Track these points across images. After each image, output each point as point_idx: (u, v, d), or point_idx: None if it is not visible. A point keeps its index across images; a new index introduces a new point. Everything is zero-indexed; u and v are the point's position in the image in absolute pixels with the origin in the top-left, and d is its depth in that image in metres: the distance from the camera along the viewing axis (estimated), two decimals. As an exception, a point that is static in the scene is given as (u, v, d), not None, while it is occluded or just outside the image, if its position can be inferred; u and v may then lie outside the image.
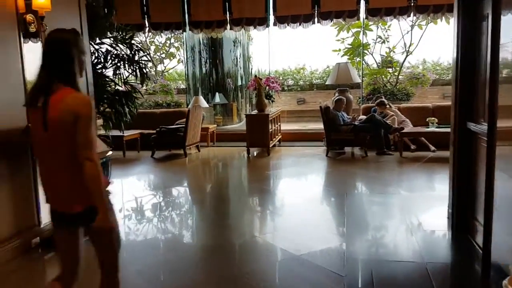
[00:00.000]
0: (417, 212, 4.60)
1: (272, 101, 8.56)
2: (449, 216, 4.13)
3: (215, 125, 10.16)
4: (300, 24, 9.01)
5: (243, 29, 9.45)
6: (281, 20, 9.01)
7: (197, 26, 9.51)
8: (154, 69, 13.08)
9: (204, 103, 9.64)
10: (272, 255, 3.63)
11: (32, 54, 3.82)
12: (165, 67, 14.19)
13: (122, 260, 2.34)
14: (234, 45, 10.96)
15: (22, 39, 3.64)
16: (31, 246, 3.74)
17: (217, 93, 10.94)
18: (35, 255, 3.68)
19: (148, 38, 12.93)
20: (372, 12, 8.91)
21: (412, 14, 9.02)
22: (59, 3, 4.04)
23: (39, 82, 1.97)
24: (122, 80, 5.52)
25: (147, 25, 9.53)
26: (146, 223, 4.68)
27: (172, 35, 12.42)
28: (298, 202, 5.18)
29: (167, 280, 3.26)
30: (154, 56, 13.40)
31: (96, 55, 5.31)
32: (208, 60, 11.10)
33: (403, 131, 7.73)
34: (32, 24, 3.63)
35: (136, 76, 5.57)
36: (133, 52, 5.52)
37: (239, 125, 11.00)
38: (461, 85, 3.85)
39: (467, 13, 3.73)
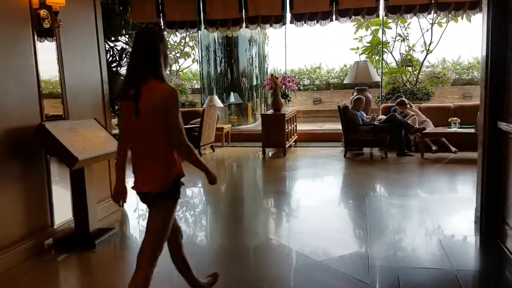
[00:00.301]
0: (441, 215, 4.40)
1: (289, 101, 8.40)
2: (477, 220, 3.93)
3: (230, 125, 10.05)
4: (317, 22, 8.83)
5: (259, 27, 9.30)
6: (298, 17, 8.84)
7: (212, 24, 9.39)
8: (168, 68, 13.03)
9: (219, 103, 9.53)
10: (290, 260, 3.47)
11: (46, 50, 3.76)
12: (179, 66, 14.14)
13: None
14: (250, 44, 10.84)
15: (35, 35, 3.56)
16: (43, 247, 3.65)
17: (232, 93, 10.84)
18: (47, 256, 3.59)
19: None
20: (392, 10, 8.68)
21: (432, 12, 8.76)
22: (74, -2, 3.97)
23: (131, 74, 2.18)
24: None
25: (162, 23, 9.45)
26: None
27: (187, 34, 12.35)
28: (315, 205, 5.02)
29: (181, 283, 3.13)
30: (169, 55, 13.32)
31: (111, 53, 5.22)
32: (223, 59, 11.00)
33: (425, 131, 7.50)
34: (46, 20, 3.54)
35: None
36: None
37: (254, 125, 10.87)
38: (491, 83, 3.65)
39: (499, 5, 3.53)
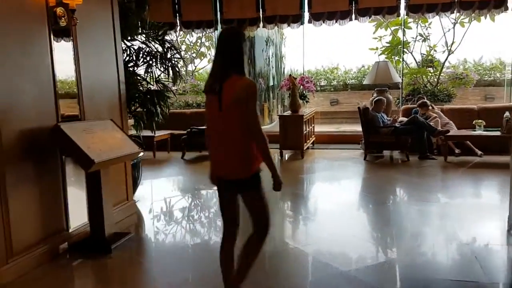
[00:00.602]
0: (469, 223, 4.19)
1: (307, 102, 8.22)
2: (510, 228, 3.72)
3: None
4: (336, 22, 8.64)
5: (276, 27, 9.14)
6: (316, 17, 8.65)
7: (229, 24, 9.26)
8: (184, 68, 12.95)
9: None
10: (310, 268, 3.31)
11: (62, 49, 3.66)
12: (195, 66, 14.06)
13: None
14: (266, 44, 10.69)
15: (51, 33, 3.46)
16: (58, 252, 3.56)
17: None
18: (62, 261, 3.49)
19: (179, 37, 12.82)
20: (413, 9, 8.44)
21: (455, 11, 8.50)
22: (91, -4, 3.88)
23: (217, 70, 2.36)
24: (154, 79, 5.32)
25: (178, 23, 9.36)
26: (175, 226, 4.45)
27: (203, 34, 12.26)
28: (334, 209, 4.85)
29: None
30: (185, 55, 13.27)
31: (128, 52, 5.12)
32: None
33: (448, 134, 7.25)
34: (63, 18, 3.44)
35: (168, 74, 5.36)
36: (165, 50, 5.31)
37: (270, 126, 10.71)
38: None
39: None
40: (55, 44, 3.52)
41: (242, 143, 2.33)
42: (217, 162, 2.48)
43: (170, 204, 5.29)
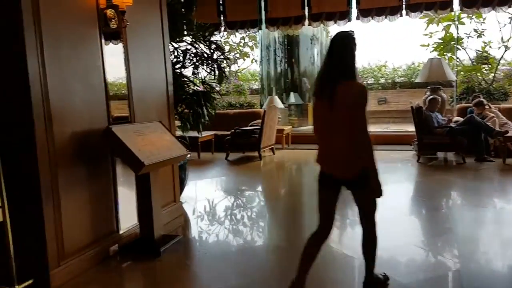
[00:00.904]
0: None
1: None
2: None
3: (291, 127, 9.74)
4: (385, 17, 8.31)
5: (322, 24, 8.93)
6: (364, 13, 8.36)
7: (273, 23, 9.16)
8: (228, 69, 12.96)
9: (279, 104, 9.27)
10: (359, 275, 3.11)
11: (112, 51, 3.66)
12: (238, 67, 14.05)
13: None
14: (311, 43, 10.47)
15: (102, 35, 3.46)
16: (109, 254, 3.55)
17: (292, 93, 10.53)
18: (113, 263, 3.48)
19: (223, 38, 12.84)
20: (468, 3, 7.99)
21: (512, 5, 7.95)
22: (140, -2, 3.86)
23: (328, 73, 2.43)
24: (200, 80, 5.29)
25: (222, 24, 9.35)
26: (222, 228, 4.36)
27: (247, 34, 12.20)
28: (386, 215, 4.49)
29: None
30: (228, 56, 13.26)
31: (175, 54, 5.10)
32: (283, 59, 10.72)
33: (507, 135, 6.78)
34: (113, 20, 3.43)
35: (214, 75, 5.31)
36: (212, 50, 5.26)
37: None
38: None
39: None
40: (105, 46, 3.52)
41: (351, 144, 2.40)
42: (327, 162, 2.56)
43: (216, 206, 5.23)
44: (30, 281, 2.78)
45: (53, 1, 3.01)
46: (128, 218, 3.82)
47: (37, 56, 2.87)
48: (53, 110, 2.99)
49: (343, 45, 2.42)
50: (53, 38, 3.00)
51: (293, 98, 10.40)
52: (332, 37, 2.54)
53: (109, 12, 3.40)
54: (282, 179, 7.06)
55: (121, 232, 3.73)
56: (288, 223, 4.58)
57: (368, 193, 2.48)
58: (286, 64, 10.63)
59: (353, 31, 2.51)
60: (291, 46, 10.59)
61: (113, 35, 3.63)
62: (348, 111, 2.35)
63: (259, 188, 6.50)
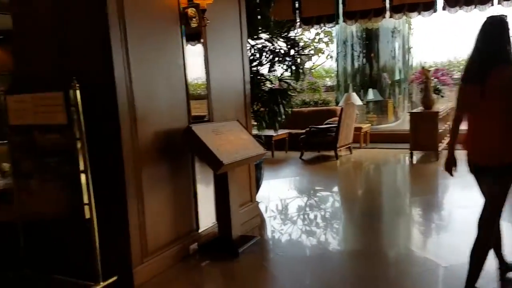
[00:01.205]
0: None
1: (442, 97, 7.37)
2: None
3: (369, 125, 9.32)
4: (475, 7, 7.60)
5: (404, 16, 8.39)
6: (452, 3, 7.70)
7: (351, 16, 8.79)
8: (302, 66, 12.75)
9: (357, 101, 8.90)
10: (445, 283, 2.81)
11: (191, 50, 3.66)
12: (313, 63, 13.75)
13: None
14: (392, 36, 9.90)
15: (183, 34, 3.47)
16: (189, 252, 3.56)
17: (370, 89, 10.06)
18: (192, 262, 3.49)
19: (297, 34, 12.64)
20: None
21: None
22: (219, -4, 3.82)
23: (481, 59, 2.41)
24: (277, 77, 5.19)
25: (298, 20, 9.17)
26: (298, 230, 4.22)
27: (322, 29, 11.89)
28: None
29: None
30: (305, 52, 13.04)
31: (252, 51, 5.04)
32: (361, 54, 10.27)
33: None
34: (194, 19, 3.43)
35: (291, 72, 5.18)
36: (289, 47, 5.13)
37: (395, 124, 9.93)
38: None
39: None
40: (186, 46, 3.53)
41: (504, 130, 2.37)
42: (477, 149, 2.51)
43: (290, 206, 5.10)
44: (115, 278, 2.83)
45: (137, 3, 3.05)
46: (206, 216, 3.82)
47: (122, 57, 2.93)
48: (137, 110, 3.05)
49: (496, 29, 2.40)
50: (137, 39, 3.04)
51: (371, 94, 9.95)
52: (484, 21, 2.49)
53: (190, 11, 3.40)
54: (360, 180, 6.74)
55: (200, 230, 3.74)
56: (365, 227, 4.32)
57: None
58: (364, 59, 10.18)
59: (505, 15, 2.47)
60: (369, 40, 10.11)
61: (195, 33, 3.62)
62: (502, 95, 2.32)
63: (335, 189, 6.26)
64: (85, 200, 2.72)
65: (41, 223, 3.07)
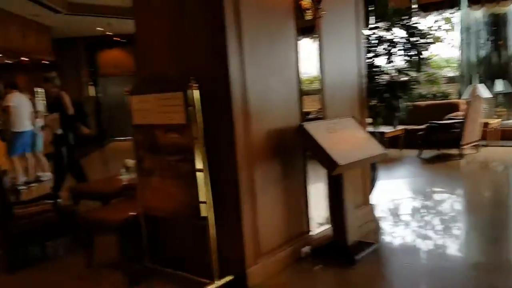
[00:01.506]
0: None
1: None
2: None
3: (498, 120, 8.28)
4: None
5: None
6: None
7: (477, 1, 7.88)
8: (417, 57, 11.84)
9: (485, 93, 7.96)
10: None
11: (305, 44, 3.50)
12: (431, 53, 12.70)
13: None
14: (524, 21, 8.66)
15: (297, 27, 3.32)
16: (300, 255, 3.42)
17: (498, 80, 8.92)
18: (305, 266, 3.33)
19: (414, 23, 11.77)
20: None
21: None
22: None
23: None
24: (396, 69, 4.78)
25: (415, 7, 8.47)
26: (420, 237, 3.80)
27: (441, 16, 10.89)
28: None
29: None
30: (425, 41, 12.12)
31: (367, 42, 4.70)
32: (487, 42, 9.17)
33: None
34: (308, 10, 3.25)
35: (410, 62, 4.74)
36: (409, 36, 4.70)
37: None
38: None
39: None
40: (299, 39, 3.37)
41: None
42: None
43: (409, 210, 4.67)
44: (231, 277, 2.81)
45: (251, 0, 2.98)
46: (318, 219, 3.65)
47: (237, 53, 2.88)
48: (251, 108, 2.99)
49: None
50: (252, 34, 2.98)
51: (500, 86, 8.81)
52: None
53: (305, 2, 3.23)
54: (488, 183, 5.97)
55: (312, 233, 3.58)
56: (494, 237, 3.76)
57: None
58: (491, 47, 9.08)
59: None
60: (497, 26, 8.97)
61: (310, 26, 3.45)
62: None
63: (460, 192, 5.61)
64: (202, 198, 2.73)
65: (162, 219, 3.18)
